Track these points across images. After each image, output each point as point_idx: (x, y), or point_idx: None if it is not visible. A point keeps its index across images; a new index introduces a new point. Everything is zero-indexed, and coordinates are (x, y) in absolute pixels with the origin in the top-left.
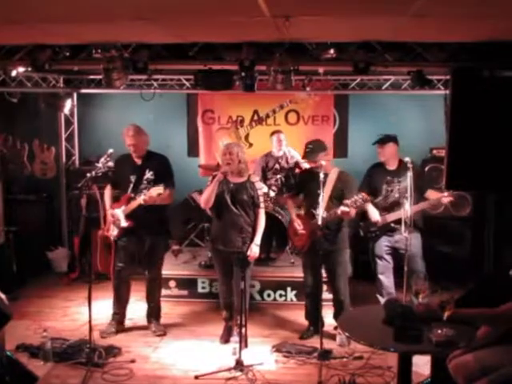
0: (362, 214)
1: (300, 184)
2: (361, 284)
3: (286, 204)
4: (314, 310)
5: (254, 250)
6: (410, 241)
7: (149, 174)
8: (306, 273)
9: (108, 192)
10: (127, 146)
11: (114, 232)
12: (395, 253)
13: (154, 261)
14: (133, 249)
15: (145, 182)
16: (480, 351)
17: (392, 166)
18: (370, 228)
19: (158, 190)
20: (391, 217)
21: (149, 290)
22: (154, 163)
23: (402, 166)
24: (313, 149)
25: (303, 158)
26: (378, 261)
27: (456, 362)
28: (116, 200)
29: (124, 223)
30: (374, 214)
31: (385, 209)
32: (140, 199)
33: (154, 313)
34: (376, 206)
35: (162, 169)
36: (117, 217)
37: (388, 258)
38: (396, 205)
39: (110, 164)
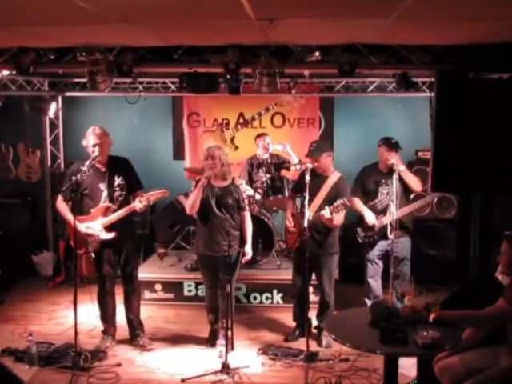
0: (359, 219)
1: (301, 184)
2: (348, 287)
3: (286, 203)
4: (301, 312)
5: (250, 253)
6: (398, 243)
7: (118, 180)
8: (294, 274)
9: (64, 204)
10: (92, 146)
11: (90, 248)
12: (386, 256)
13: (130, 271)
14: (111, 258)
15: (117, 188)
16: (465, 353)
17: (386, 168)
18: (367, 233)
19: (162, 193)
20: (387, 219)
21: (128, 303)
22: (120, 167)
23: (391, 169)
24: (317, 147)
25: (307, 155)
26: (369, 264)
27: (442, 363)
28: (81, 213)
29: (106, 235)
30: (371, 218)
31: (380, 211)
32: (135, 205)
33: (136, 326)
34: (371, 208)
35: (129, 171)
36: (93, 229)
37: (379, 262)
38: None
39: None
